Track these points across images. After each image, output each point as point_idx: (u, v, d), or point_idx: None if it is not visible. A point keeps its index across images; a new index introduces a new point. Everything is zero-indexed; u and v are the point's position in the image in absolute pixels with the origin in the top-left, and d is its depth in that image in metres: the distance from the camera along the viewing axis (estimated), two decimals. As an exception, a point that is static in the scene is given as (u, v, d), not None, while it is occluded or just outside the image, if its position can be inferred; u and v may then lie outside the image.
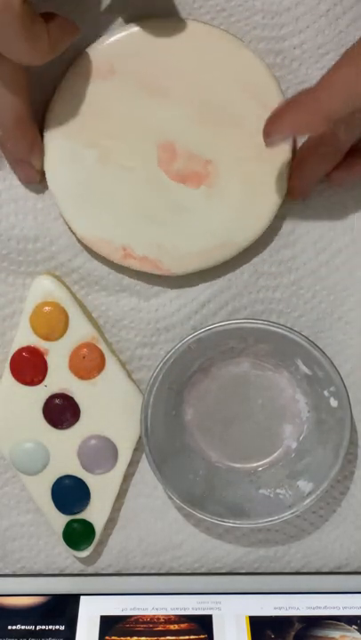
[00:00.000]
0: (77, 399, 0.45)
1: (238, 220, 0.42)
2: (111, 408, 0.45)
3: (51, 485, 0.46)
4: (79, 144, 0.41)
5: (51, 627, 0.47)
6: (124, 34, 0.40)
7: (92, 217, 0.42)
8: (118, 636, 0.46)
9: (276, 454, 0.47)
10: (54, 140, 0.41)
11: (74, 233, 0.43)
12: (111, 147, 0.42)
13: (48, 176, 0.42)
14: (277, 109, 0.37)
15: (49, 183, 0.42)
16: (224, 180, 0.42)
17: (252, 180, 0.42)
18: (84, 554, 0.48)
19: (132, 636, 0.46)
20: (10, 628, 0.47)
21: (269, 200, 0.42)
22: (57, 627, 0.47)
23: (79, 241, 0.44)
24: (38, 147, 0.41)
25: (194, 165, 0.42)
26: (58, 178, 0.42)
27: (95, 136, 0.41)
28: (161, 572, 0.50)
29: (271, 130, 0.37)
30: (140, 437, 0.45)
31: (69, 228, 0.43)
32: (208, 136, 0.41)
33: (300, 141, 0.42)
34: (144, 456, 0.47)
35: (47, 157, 0.42)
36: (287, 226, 0.44)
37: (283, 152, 0.41)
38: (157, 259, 0.43)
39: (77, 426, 0.46)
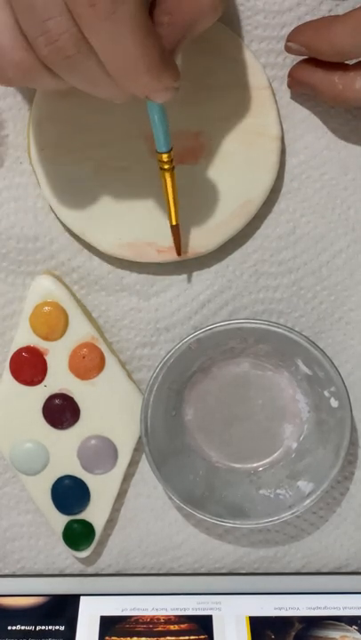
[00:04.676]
0: (77, 399, 0.45)
1: (248, 176, 0.42)
2: (111, 408, 0.45)
3: (50, 486, 0.46)
4: (71, 164, 0.41)
5: (51, 627, 0.47)
6: None
7: (108, 228, 0.42)
8: (118, 637, 0.46)
9: (276, 454, 0.47)
10: (45, 168, 0.41)
11: (102, 252, 0.43)
12: (101, 155, 0.41)
13: (52, 205, 0.42)
14: (306, 22, 0.39)
15: (55, 212, 0.43)
16: (219, 145, 0.41)
17: (246, 133, 0.41)
18: (84, 554, 0.48)
19: (132, 637, 0.46)
20: (10, 628, 0.47)
21: (271, 145, 0.42)
22: (57, 627, 0.47)
23: (78, 239, 0.44)
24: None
25: (185, 142, 0.41)
26: (62, 205, 0.42)
27: (83, 151, 0.41)
28: (161, 572, 0.50)
29: (289, 36, 0.39)
30: (140, 437, 0.45)
31: (94, 247, 0.43)
32: (186, 109, 0.41)
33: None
34: (144, 456, 0.47)
35: (44, 186, 0.42)
36: (288, 226, 0.44)
37: (265, 94, 0.41)
38: (184, 243, 0.43)
39: (77, 426, 0.45)
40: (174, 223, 0.41)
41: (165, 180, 0.40)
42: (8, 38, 0.30)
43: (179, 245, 0.42)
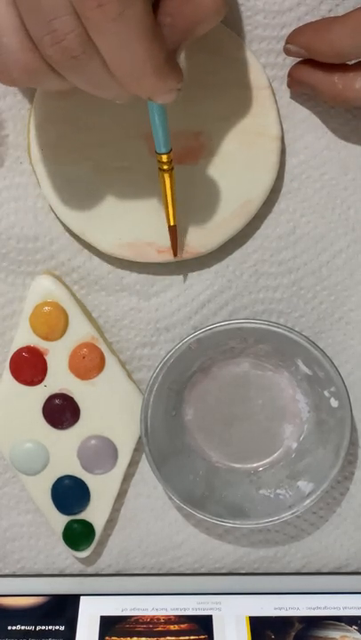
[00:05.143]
0: (77, 399, 0.45)
1: (247, 176, 0.42)
2: (111, 408, 0.45)
3: (50, 486, 0.46)
4: (71, 164, 0.41)
5: (51, 627, 0.47)
6: None
7: (108, 228, 0.42)
8: (118, 637, 0.46)
9: (276, 454, 0.47)
10: (45, 168, 0.41)
11: (102, 252, 0.43)
12: (101, 154, 0.41)
13: (52, 205, 0.42)
14: (306, 24, 0.39)
15: (55, 212, 0.42)
16: (219, 145, 0.41)
17: (246, 133, 0.41)
18: (84, 554, 0.48)
19: (132, 637, 0.46)
20: (10, 628, 0.47)
21: (271, 145, 0.41)
22: (57, 627, 0.47)
23: (79, 239, 0.44)
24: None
25: (185, 142, 0.41)
26: (62, 205, 0.42)
27: (82, 150, 0.41)
28: (161, 572, 0.50)
29: (288, 38, 0.39)
30: (140, 437, 0.45)
31: (94, 247, 0.43)
32: (186, 108, 0.41)
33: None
34: (144, 456, 0.47)
35: (44, 186, 0.42)
36: (288, 226, 0.44)
37: (265, 94, 0.41)
38: (184, 243, 0.43)
39: (77, 426, 0.45)
40: (172, 224, 0.41)
41: (164, 181, 0.40)
42: (13, 39, 0.30)
43: (175, 246, 0.42)
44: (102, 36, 0.29)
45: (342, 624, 0.47)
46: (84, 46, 0.30)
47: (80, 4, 0.28)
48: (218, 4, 0.32)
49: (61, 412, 0.45)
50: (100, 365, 0.45)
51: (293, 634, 0.46)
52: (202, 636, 0.46)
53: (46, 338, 0.44)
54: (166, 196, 0.40)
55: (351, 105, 0.39)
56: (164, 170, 0.39)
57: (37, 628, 0.47)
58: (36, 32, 0.30)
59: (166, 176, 0.39)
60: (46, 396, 0.45)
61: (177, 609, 0.48)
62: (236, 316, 0.46)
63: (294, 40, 0.39)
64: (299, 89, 0.41)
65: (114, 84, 0.31)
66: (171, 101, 0.33)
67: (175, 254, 0.43)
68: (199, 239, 0.43)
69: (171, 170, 0.39)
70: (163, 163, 0.39)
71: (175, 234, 0.42)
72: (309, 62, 0.39)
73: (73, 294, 0.45)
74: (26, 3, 0.29)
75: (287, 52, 0.39)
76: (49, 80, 0.32)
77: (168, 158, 0.39)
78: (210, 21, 0.32)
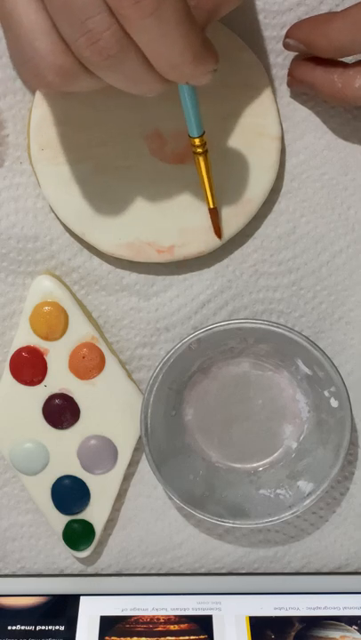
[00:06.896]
0: (77, 399, 0.45)
1: (248, 176, 0.42)
2: (111, 408, 0.45)
3: (50, 485, 0.46)
4: (71, 163, 0.41)
5: (50, 627, 0.47)
6: None
7: (108, 227, 0.42)
8: (118, 637, 0.46)
9: (276, 454, 0.47)
10: (45, 167, 0.41)
11: (102, 252, 0.43)
12: (101, 154, 0.41)
13: (52, 204, 0.42)
14: (305, 18, 0.39)
15: (55, 212, 0.42)
16: (219, 145, 0.41)
17: (246, 133, 0.41)
18: (84, 554, 0.48)
19: (131, 637, 0.46)
20: (10, 628, 0.47)
21: (271, 145, 0.42)
22: (57, 627, 0.47)
23: (79, 239, 0.44)
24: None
25: (185, 142, 0.41)
26: (62, 204, 0.42)
27: (83, 150, 0.41)
28: (161, 572, 0.50)
29: (288, 32, 0.39)
30: (140, 437, 0.45)
31: (94, 247, 0.43)
32: None
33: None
34: (144, 456, 0.47)
35: (44, 186, 0.42)
36: (288, 226, 0.44)
37: (265, 94, 0.41)
38: (183, 243, 0.43)
39: (77, 426, 0.45)
40: (212, 206, 0.41)
41: (200, 164, 0.40)
42: (46, 42, 0.29)
43: (218, 227, 0.42)
44: (141, 32, 0.29)
45: (342, 624, 0.47)
46: (121, 43, 0.29)
47: (115, 2, 0.28)
48: None
49: (61, 412, 0.45)
50: (100, 365, 0.45)
51: (293, 634, 0.46)
52: (202, 636, 0.46)
53: (46, 338, 0.44)
54: (204, 178, 0.40)
55: (350, 103, 0.39)
56: (198, 153, 0.39)
57: (37, 628, 0.47)
58: (69, 34, 0.29)
59: (201, 159, 0.39)
60: (46, 396, 0.45)
61: (177, 609, 0.48)
62: (236, 316, 0.46)
63: (293, 34, 0.39)
64: (299, 87, 0.41)
65: (150, 77, 0.31)
66: (209, 82, 0.32)
67: (219, 236, 0.42)
68: (199, 239, 0.43)
69: (205, 152, 0.39)
70: (197, 146, 0.39)
71: (216, 215, 0.42)
72: (309, 61, 0.39)
73: (73, 294, 0.45)
74: (56, 4, 0.28)
75: (286, 46, 0.39)
76: (84, 81, 0.31)
77: (201, 141, 0.39)
78: (232, 1, 0.32)
